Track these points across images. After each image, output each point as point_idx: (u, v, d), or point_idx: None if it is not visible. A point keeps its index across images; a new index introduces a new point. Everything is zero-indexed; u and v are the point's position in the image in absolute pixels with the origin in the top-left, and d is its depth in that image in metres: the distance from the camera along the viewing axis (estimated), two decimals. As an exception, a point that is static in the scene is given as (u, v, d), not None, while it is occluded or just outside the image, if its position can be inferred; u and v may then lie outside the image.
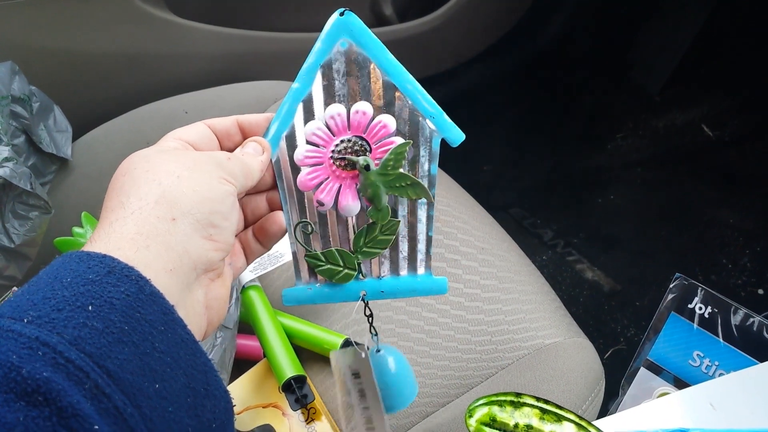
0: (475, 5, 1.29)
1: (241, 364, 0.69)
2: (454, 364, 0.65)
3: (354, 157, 0.45)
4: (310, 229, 0.47)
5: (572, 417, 0.46)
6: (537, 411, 0.46)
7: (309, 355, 0.68)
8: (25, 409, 0.28)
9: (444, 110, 0.46)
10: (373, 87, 0.46)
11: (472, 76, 1.43)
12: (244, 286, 0.68)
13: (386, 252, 0.48)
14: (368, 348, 0.51)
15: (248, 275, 0.68)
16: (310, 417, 0.62)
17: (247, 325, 0.69)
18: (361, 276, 0.49)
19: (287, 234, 0.47)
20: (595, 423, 0.47)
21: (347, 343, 0.65)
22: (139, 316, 0.33)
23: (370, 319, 0.50)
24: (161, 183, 0.38)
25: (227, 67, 1.05)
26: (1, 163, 0.70)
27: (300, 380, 0.62)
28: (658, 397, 0.56)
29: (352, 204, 0.46)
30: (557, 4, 1.50)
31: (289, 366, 0.62)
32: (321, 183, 0.46)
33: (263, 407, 0.64)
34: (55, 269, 0.34)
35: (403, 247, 0.49)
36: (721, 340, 0.53)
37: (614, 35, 1.61)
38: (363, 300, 0.49)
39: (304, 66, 0.45)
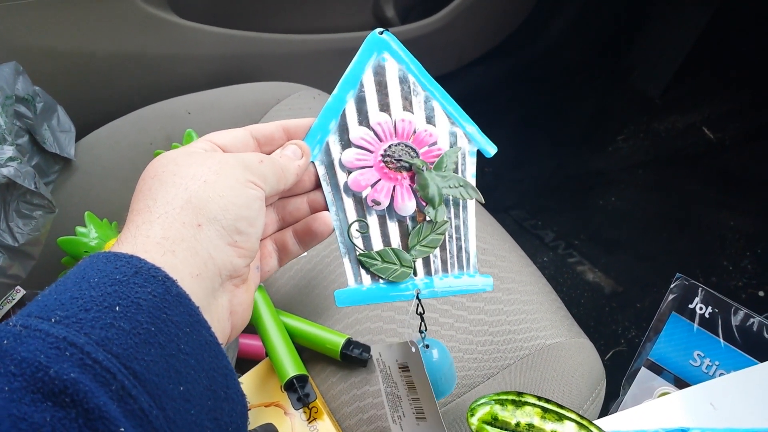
0: (476, 8, 1.29)
1: (244, 363, 0.69)
2: (456, 363, 0.65)
3: (413, 160, 0.49)
4: (365, 228, 0.48)
5: (573, 416, 0.46)
6: (538, 410, 0.46)
7: (311, 354, 0.68)
8: (52, 410, 0.28)
9: None
10: (415, 100, 0.49)
11: (473, 78, 1.43)
12: (246, 286, 0.69)
13: (437, 251, 0.50)
14: (422, 345, 0.52)
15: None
16: (312, 416, 0.63)
17: (249, 325, 0.69)
18: (413, 275, 0.50)
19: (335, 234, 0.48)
20: (596, 422, 0.47)
21: (349, 343, 0.66)
22: (165, 317, 0.33)
23: (422, 315, 0.51)
24: (188, 188, 0.38)
25: (230, 68, 1.05)
26: (5, 163, 0.70)
27: (302, 379, 0.63)
28: (659, 396, 0.56)
29: (408, 203, 0.49)
30: (559, 7, 1.51)
31: (291, 365, 0.63)
32: (373, 184, 0.48)
33: (265, 406, 0.65)
34: (83, 269, 0.34)
35: (451, 246, 0.51)
36: (721, 340, 0.54)
37: (615, 38, 1.61)
38: (417, 298, 0.50)
39: (345, 74, 0.48)
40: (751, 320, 0.52)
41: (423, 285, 0.50)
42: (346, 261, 0.49)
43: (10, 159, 0.72)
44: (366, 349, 0.65)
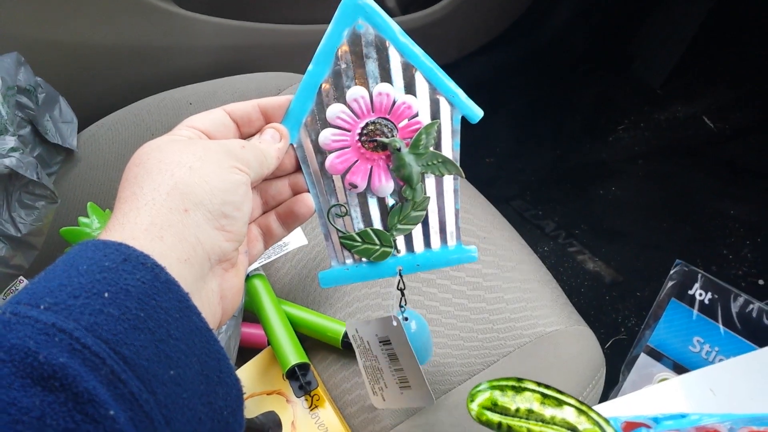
0: (477, -2, 1.29)
1: (246, 352, 0.69)
2: (456, 351, 0.66)
3: (386, 140, 0.47)
4: (343, 211, 0.48)
5: (573, 402, 0.47)
6: (538, 396, 0.47)
7: (313, 342, 0.69)
8: (42, 394, 0.29)
9: None
10: (393, 68, 0.46)
11: (474, 68, 1.43)
12: (248, 275, 0.69)
13: (418, 227, 0.50)
14: (401, 318, 0.53)
15: (252, 264, 0.69)
16: (313, 404, 0.63)
17: (251, 314, 0.70)
18: (396, 252, 0.50)
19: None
20: (596, 408, 0.47)
21: None
22: (154, 303, 0.33)
23: (403, 291, 0.52)
24: (173, 174, 0.38)
25: (231, 58, 1.05)
26: (7, 153, 0.71)
27: (304, 367, 0.63)
28: (658, 382, 0.56)
29: (385, 184, 0.48)
30: (560, -2, 1.50)
31: (293, 353, 0.63)
32: (350, 166, 0.47)
33: (267, 394, 0.65)
34: (71, 257, 0.34)
35: (434, 221, 0.50)
36: (721, 326, 0.54)
37: (617, 28, 1.61)
38: (400, 275, 0.50)
39: (319, 49, 0.46)
40: (751, 306, 0.53)
41: (405, 262, 0.50)
42: (328, 243, 0.50)
43: (12, 149, 0.72)
44: None
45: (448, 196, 0.50)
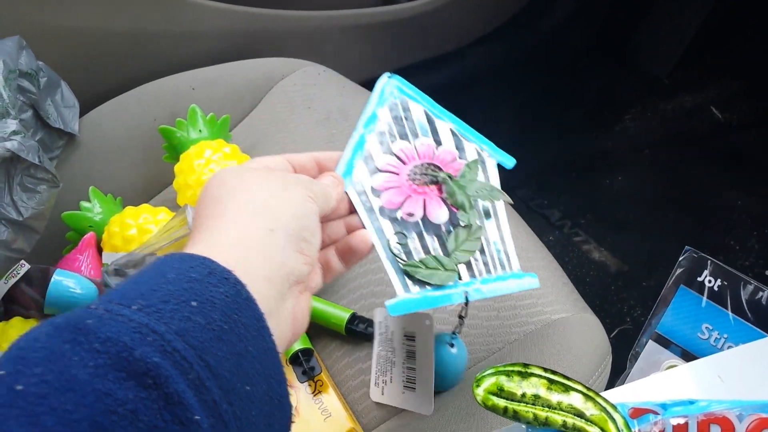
0: (481, -14, 1.28)
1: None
2: (462, 338, 0.65)
3: (438, 172, 0.53)
4: (404, 239, 0.51)
5: (580, 387, 0.46)
6: (545, 381, 0.46)
7: (316, 328, 0.68)
8: (136, 389, 0.29)
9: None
10: (429, 128, 0.56)
11: (479, 57, 1.42)
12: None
13: (477, 255, 0.53)
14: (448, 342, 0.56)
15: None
16: (317, 389, 0.62)
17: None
18: (459, 278, 0.52)
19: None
20: (603, 394, 0.47)
21: (354, 318, 0.66)
22: (236, 317, 0.34)
23: (463, 320, 0.54)
24: (258, 197, 0.41)
25: (234, 44, 1.04)
26: (9, 137, 0.70)
27: (307, 353, 0.62)
28: (666, 369, 0.56)
29: (440, 211, 0.53)
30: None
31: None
32: (404, 200, 0.52)
33: (270, 380, 0.64)
34: (157, 267, 0.35)
35: (491, 249, 0.54)
36: (730, 313, 0.53)
37: (623, 17, 1.59)
38: (466, 299, 0.51)
39: (364, 114, 0.54)
40: (761, 293, 0.52)
41: (471, 288, 0.52)
42: (391, 274, 0.50)
43: (14, 133, 0.71)
44: (371, 323, 0.65)
45: (502, 226, 0.54)
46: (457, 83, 1.37)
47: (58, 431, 0.27)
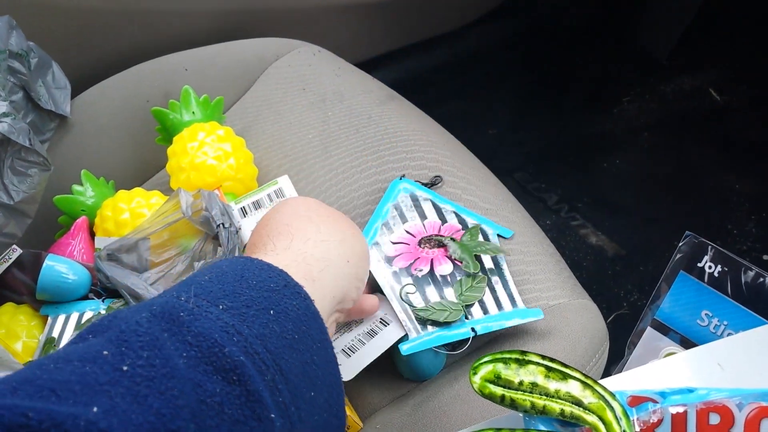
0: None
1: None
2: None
3: (443, 237, 0.66)
4: (413, 289, 0.62)
5: (578, 375, 0.45)
6: (542, 369, 0.45)
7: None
8: (222, 383, 0.32)
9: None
10: (435, 212, 0.69)
11: (477, 37, 1.40)
12: (246, 246, 0.67)
13: (487, 294, 0.62)
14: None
15: (250, 235, 0.67)
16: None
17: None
18: (467, 317, 0.60)
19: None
20: (601, 382, 0.46)
21: None
22: (305, 329, 0.38)
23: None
24: (342, 230, 0.48)
25: (228, 23, 1.03)
26: (-1, 119, 0.69)
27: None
28: (665, 357, 0.55)
29: (445, 265, 0.64)
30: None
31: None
32: (414, 261, 0.64)
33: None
34: (239, 269, 0.39)
35: (499, 290, 0.63)
36: (730, 299, 0.52)
37: (623, -3, 1.58)
38: (474, 333, 0.58)
39: (378, 207, 0.70)
40: (761, 279, 0.51)
41: (477, 323, 0.60)
42: (404, 319, 0.60)
43: (4, 115, 0.70)
44: None
45: (506, 274, 0.64)
46: (454, 65, 1.36)
47: (164, 413, 0.29)
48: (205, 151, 0.73)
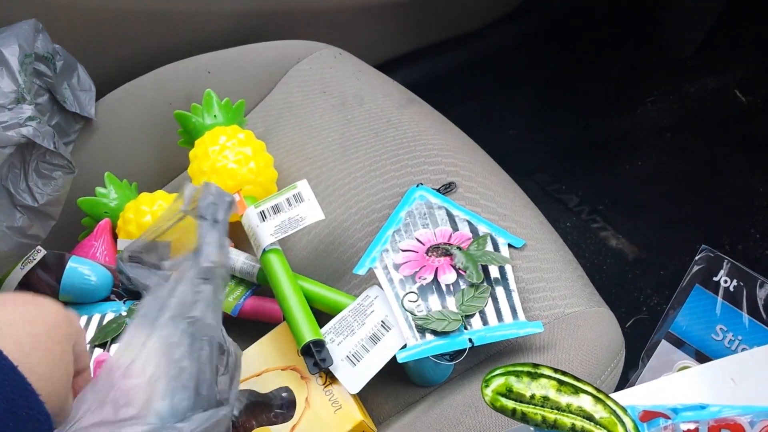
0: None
1: (262, 326, 0.69)
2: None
3: (451, 245, 0.66)
4: (415, 297, 0.62)
5: (590, 389, 0.46)
6: (554, 383, 0.46)
7: (328, 319, 0.68)
8: None
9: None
10: (448, 219, 0.69)
11: (496, 38, 1.40)
12: (264, 250, 0.68)
13: (490, 305, 0.62)
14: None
15: (269, 239, 0.68)
16: (327, 381, 0.63)
17: (267, 288, 0.69)
18: (466, 327, 0.61)
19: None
20: (613, 396, 0.46)
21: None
22: None
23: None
24: None
25: (250, 25, 1.04)
26: (24, 123, 0.70)
27: (319, 344, 0.62)
28: (679, 370, 0.55)
29: (448, 274, 0.64)
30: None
31: (308, 330, 0.63)
32: (419, 269, 0.65)
33: (282, 369, 0.65)
34: None
35: (502, 301, 0.63)
36: (745, 314, 0.52)
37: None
38: (471, 344, 0.59)
39: (392, 214, 0.71)
40: (777, 295, 0.51)
41: (474, 334, 0.60)
42: (404, 327, 0.61)
43: (30, 119, 0.71)
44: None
45: (511, 285, 0.64)
46: (473, 65, 1.35)
47: None
48: (225, 155, 0.74)
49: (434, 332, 0.60)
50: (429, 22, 1.25)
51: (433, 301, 0.62)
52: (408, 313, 0.61)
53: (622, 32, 1.56)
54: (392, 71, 0.96)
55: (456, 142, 0.80)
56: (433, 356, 0.59)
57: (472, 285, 0.63)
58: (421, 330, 0.60)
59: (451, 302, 0.62)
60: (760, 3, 1.47)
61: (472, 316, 0.61)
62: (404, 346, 0.61)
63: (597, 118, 1.47)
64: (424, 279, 0.64)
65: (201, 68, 0.90)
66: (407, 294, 0.63)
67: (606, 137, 1.43)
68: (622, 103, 1.48)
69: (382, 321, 0.63)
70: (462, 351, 0.59)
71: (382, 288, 0.64)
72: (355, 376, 0.60)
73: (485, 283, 0.63)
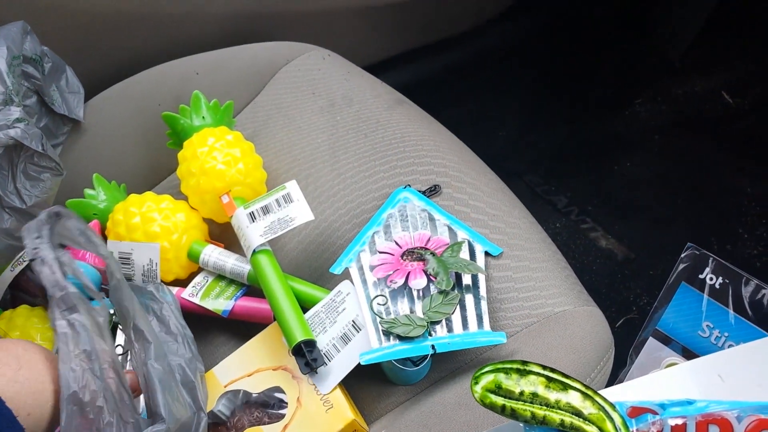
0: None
1: (252, 326, 0.69)
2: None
3: (424, 251, 0.67)
4: (384, 300, 0.63)
5: (578, 386, 0.46)
6: (543, 379, 0.46)
7: (318, 319, 0.68)
8: None
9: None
10: (429, 224, 0.70)
11: (486, 40, 1.40)
12: (254, 251, 0.68)
13: (457, 312, 0.62)
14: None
15: (258, 239, 0.68)
16: (318, 380, 0.63)
17: (258, 289, 0.69)
18: (431, 333, 0.61)
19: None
20: (601, 392, 0.47)
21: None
22: None
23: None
24: None
25: (239, 27, 1.04)
26: (12, 124, 0.70)
27: (310, 344, 0.62)
28: (666, 367, 0.55)
29: (419, 279, 0.65)
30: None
31: (299, 330, 0.63)
32: (391, 272, 0.66)
33: (273, 370, 0.65)
34: None
35: (470, 309, 0.63)
36: (731, 311, 0.53)
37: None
38: (434, 351, 0.60)
39: (375, 215, 0.72)
40: (763, 292, 0.51)
41: (437, 341, 0.60)
42: (371, 330, 0.62)
43: (18, 120, 0.71)
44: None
45: (481, 293, 0.64)
46: (462, 67, 1.36)
47: None
48: (214, 156, 0.74)
49: (399, 337, 0.60)
50: (418, 25, 1.25)
51: (402, 306, 0.63)
52: (376, 316, 0.62)
53: (611, 35, 1.57)
54: (382, 73, 0.96)
55: (445, 143, 0.81)
56: (396, 360, 0.59)
57: (441, 291, 0.63)
58: (387, 334, 0.61)
59: (419, 308, 0.63)
60: (747, 7, 1.48)
61: (438, 322, 0.62)
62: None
63: (587, 120, 1.47)
64: (395, 283, 0.64)
65: (190, 70, 0.90)
66: (376, 297, 0.63)
67: (595, 139, 1.44)
68: (611, 104, 1.49)
69: (353, 321, 0.64)
70: (424, 357, 0.60)
71: (354, 285, 0.66)
72: (325, 376, 0.62)
73: (455, 290, 0.63)
